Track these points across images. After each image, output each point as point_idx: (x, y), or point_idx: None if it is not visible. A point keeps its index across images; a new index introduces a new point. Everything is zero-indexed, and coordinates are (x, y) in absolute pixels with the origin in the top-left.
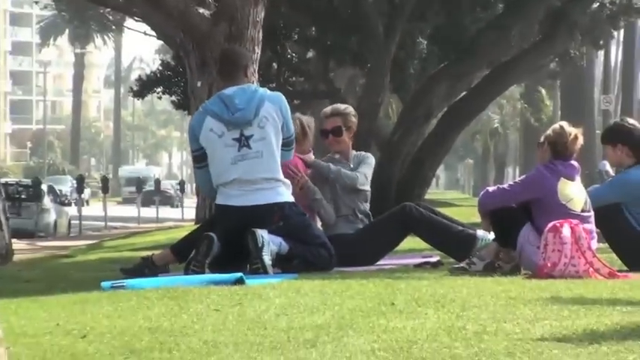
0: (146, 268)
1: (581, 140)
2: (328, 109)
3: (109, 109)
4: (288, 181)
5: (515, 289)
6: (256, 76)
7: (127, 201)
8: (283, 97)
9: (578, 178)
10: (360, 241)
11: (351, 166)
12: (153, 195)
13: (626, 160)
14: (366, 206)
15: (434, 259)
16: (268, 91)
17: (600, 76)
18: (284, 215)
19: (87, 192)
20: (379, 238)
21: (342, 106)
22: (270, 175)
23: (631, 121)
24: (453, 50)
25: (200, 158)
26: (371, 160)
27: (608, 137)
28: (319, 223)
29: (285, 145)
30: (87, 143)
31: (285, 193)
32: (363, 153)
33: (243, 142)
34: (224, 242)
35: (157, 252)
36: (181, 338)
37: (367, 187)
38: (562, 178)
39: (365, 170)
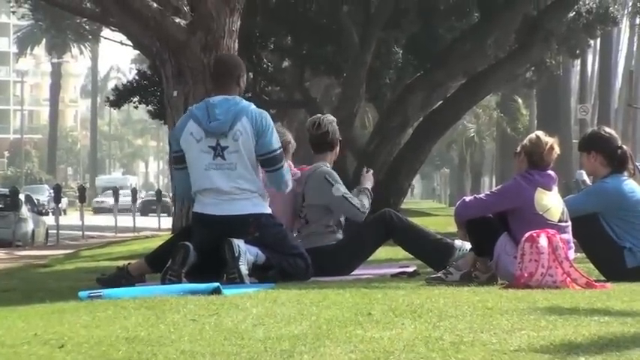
0: (122, 278)
1: (557, 150)
2: (315, 121)
3: (86, 118)
4: (265, 193)
5: (492, 300)
6: None
7: (97, 211)
8: (266, 115)
9: (555, 188)
10: (341, 249)
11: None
12: (152, 204)
13: (600, 169)
14: (342, 217)
15: (411, 269)
16: (252, 107)
17: (577, 85)
18: (260, 226)
19: (64, 201)
20: (359, 244)
21: (329, 118)
22: (245, 186)
23: (608, 130)
24: (429, 59)
25: (179, 160)
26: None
27: (583, 145)
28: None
29: (263, 163)
30: (64, 152)
31: (260, 205)
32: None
33: (219, 151)
34: (200, 251)
35: (132, 262)
36: (158, 348)
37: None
38: (539, 188)
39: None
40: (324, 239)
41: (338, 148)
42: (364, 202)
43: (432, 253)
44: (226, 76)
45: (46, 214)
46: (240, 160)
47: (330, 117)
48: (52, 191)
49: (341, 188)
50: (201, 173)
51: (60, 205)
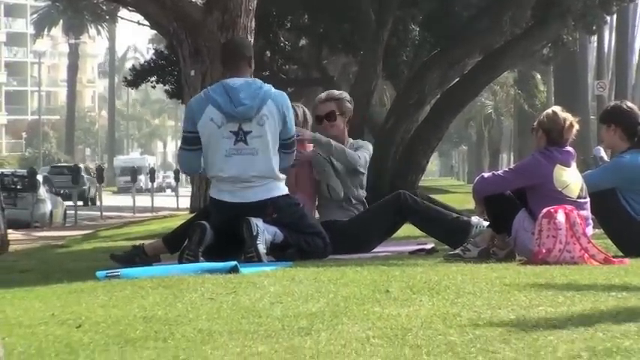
0: (137, 256)
1: (576, 127)
2: (323, 94)
3: (104, 98)
4: (282, 176)
5: (510, 276)
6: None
7: (122, 190)
8: (287, 98)
9: (574, 164)
10: (354, 228)
11: (345, 147)
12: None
13: (619, 143)
14: (362, 193)
15: (428, 246)
16: (273, 89)
17: (594, 61)
18: (278, 207)
19: None
20: (373, 225)
21: (336, 92)
22: (263, 173)
23: (629, 104)
24: (445, 37)
25: (192, 141)
26: (369, 147)
27: (604, 117)
28: (316, 214)
29: (284, 147)
30: (82, 133)
31: (278, 188)
32: (360, 141)
33: (241, 136)
34: (217, 231)
35: (148, 241)
36: (176, 327)
37: (364, 171)
38: (558, 165)
39: (364, 154)
40: (340, 213)
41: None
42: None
43: (450, 233)
44: (238, 58)
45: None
46: (262, 145)
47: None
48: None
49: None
50: (221, 159)
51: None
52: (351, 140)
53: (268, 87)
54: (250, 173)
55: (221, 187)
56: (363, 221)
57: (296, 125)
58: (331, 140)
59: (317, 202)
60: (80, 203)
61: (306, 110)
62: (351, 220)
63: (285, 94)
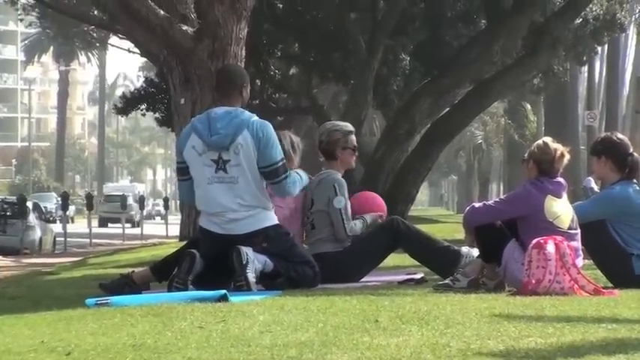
0: (126, 285)
1: (567, 157)
2: (349, 125)
3: (94, 126)
4: (270, 204)
5: (500, 306)
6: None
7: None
8: (268, 126)
9: (564, 195)
10: (349, 256)
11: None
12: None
13: (610, 175)
14: (352, 225)
15: (418, 276)
16: (254, 118)
17: (584, 92)
18: (267, 237)
19: (72, 209)
20: (368, 252)
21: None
22: (248, 201)
23: (620, 135)
24: (436, 66)
25: (183, 171)
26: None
27: (594, 149)
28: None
29: (266, 176)
30: (72, 160)
31: (267, 218)
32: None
33: (221, 164)
34: (207, 260)
35: (137, 269)
36: (165, 355)
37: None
38: (549, 196)
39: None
40: (330, 246)
41: (348, 156)
42: (355, 228)
43: (440, 261)
44: (230, 86)
45: (54, 221)
46: (242, 174)
47: (330, 125)
48: (59, 199)
49: (342, 202)
50: (204, 188)
51: (67, 213)
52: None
53: (249, 116)
54: (236, 201)
55: (210, 218)
56: (357, 249)
57: (285, 153)
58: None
59: (305, 235)
60: (128, 225)
61: (294, 138)
62: (347, 250)
63: (267, 122)
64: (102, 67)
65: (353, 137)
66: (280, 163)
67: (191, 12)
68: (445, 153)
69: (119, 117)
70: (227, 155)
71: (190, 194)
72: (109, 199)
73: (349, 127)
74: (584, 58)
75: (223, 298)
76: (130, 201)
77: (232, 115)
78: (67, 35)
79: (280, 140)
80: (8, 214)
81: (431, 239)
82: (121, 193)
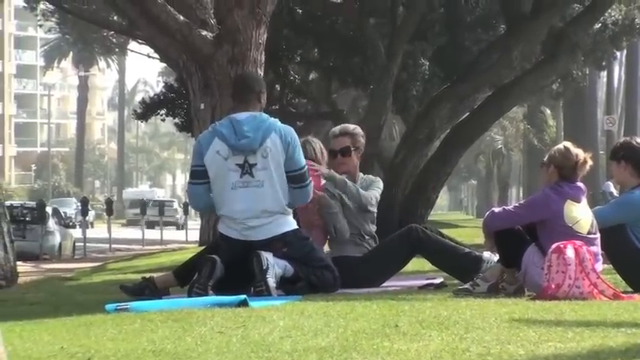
0: (147, 288)
1: (590, 163)
2: (337, 128)
3: (113, 131)
4: (289, 210)
5: (519, 311)
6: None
7: (130, 223)
8: (292, 131)
9: (584, 200)
10: (367, 263)
11: (359, 188)
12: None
13: (629, 179)
14: (373, 228)
15: (438, 281)
16: (279, 123)
17: (603, 96)
18: (287, 242)
19: (91, 214)
20: (386, 259)
21: (350, 126)
22: (271, 208)
23: (639, 140)
24: (455, 71)
25: (199, 175)
26: (380, 184)
27: (614, 154)
28: (326, 247)
29: (293, 180)
30: (91, 165)
31: (287, 223)
32: (371, 176)
33: (247, 169)
34: (227, 265)
35: (157, 274)
36: None
37: (375, 210)
38: (568, 200)
39: (375, 193)
40: (350, 249)
41: (351, 160)
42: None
43: (460, 267)
44: (248, 93)
45: (74, 227)
46: (268, 178)
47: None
48: (79, 204)
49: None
50: (227, 193)
51: (87, 218)
52: (362, 175)
53: (274, 120)
54: (259, 208)
55: (229, 223)
56: (375, 256)
57: (313, 160)
58: (346, 179)
59: (328, 237)
60: (174, 228)
61: (321, 145)
62: (364, 255)
63: (291, 127)
64: (121, 72)
65: (335, 140)
66: (305, 169)
67: (211, 17)
68: (465, 158)
69: (139, 122)
70: (254, 159)
71: (206, 198)
72: (155, 204)
73: (336, 130)
74: (603, 63)
75: (243, 304)
76: (175, 205)
77: (259, 120)
78: (86, 41)
79: (306, 146)
80: (28, 219)
81: (450, 246)
82: (162, 198)
